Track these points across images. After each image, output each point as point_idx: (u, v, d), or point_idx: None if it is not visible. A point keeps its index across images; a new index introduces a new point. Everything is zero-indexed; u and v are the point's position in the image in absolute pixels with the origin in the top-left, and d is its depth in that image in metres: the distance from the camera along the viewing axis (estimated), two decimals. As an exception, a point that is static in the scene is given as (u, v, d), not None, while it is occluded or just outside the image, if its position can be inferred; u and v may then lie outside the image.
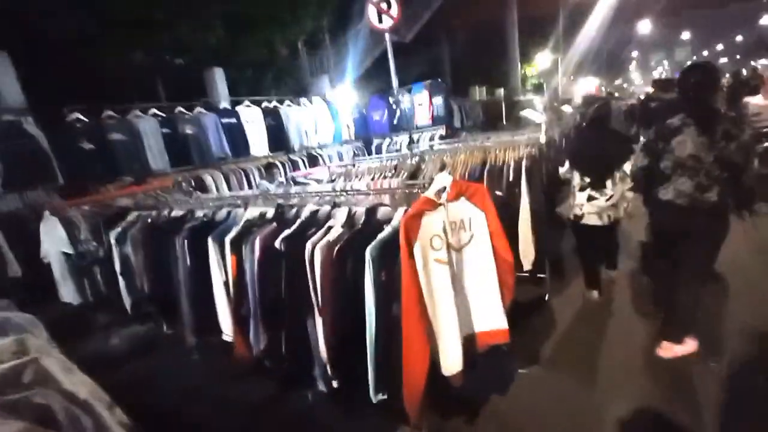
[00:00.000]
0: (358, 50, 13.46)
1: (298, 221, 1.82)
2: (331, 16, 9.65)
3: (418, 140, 7.50)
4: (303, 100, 6.92)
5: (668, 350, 2.38)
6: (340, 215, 1.73)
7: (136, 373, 2.92)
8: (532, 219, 2.80)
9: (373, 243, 1.47)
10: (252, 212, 2.13)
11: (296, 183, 4.20)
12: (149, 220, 2.74)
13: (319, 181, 4.19)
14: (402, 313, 1.40)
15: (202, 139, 5.42)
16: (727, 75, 7.73)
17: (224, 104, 6.59)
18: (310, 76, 9.87)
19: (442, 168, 3.24)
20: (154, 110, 5.17)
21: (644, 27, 30.89)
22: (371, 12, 7.72)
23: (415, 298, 1.39)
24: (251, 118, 6.11)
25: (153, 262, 2.57)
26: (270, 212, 2.06)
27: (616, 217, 3.02)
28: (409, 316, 1.40)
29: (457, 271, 1.51)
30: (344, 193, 1.83)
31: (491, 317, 1.57)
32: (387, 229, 1.52)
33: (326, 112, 7.30)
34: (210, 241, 2.06)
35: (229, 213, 2.28)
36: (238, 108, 6.02)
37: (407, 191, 1.65)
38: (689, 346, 2.37)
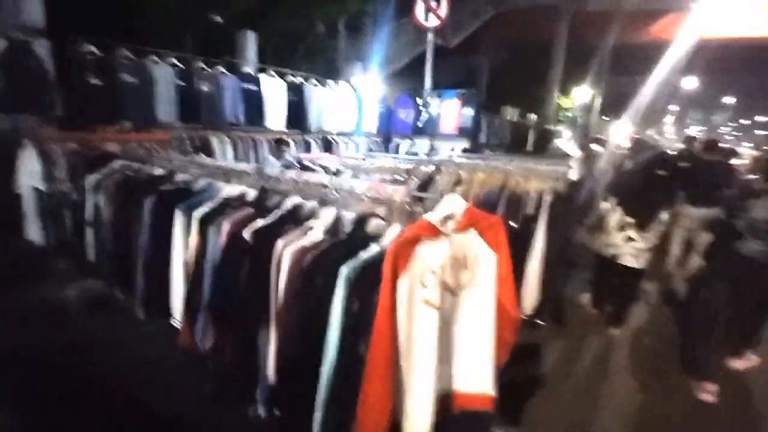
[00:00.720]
0: (400, 44, 13.14)
1: (277, 213, 1.55)
2: (378, 2, 9.32)
3: (438, 148, 7.23)
4: (330, 82, 6.63)
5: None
6: (325, 217, 1.46)
7: (80, 331, 2.69)
8: (546, 260, 2.51)
9: (353, 261, 1.19)
10: (232, 189, 1.86)
11: (302, 166, 3.93)
12: (127, 173, 2.49)
13: (326, 169, 3.93)
14: (368, 355, 1.13)
15: (217, 99, 5.17)
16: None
17: (248, 69, 6.31)
18: (345, 60, 9.56)
19: (458, 183, 2.96)
20: (174, 60, 4.93)
21: (689, 83, 30.24)
22: (419, 7, 7.45)
23: (387, 341, 1.12)
24: (273, 89, 5.84)
25: (119, 219, 2.32)
26: (252, 194, 1.79)
27: (645, 261, 3.12)
28: (376, 361, 1.12)
29: (447, 318, 1.22)
30: (335, 192, 1.55)
31: (476, 378, 1.28)
32: (373, 248, 1.24)
33: (352, 100, 7.02)
34: (177, 211, 1.80)
35: (209, 184, 2.02)
36: (261, 76, 5.76)
37: (408, 207, 1.36)
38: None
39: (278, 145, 4.85)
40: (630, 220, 3.04)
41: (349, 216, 1.43)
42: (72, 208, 2.77)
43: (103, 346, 2.57)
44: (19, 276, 3.05)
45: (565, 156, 4.76)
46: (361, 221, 1.37)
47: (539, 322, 2.85)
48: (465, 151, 6.66)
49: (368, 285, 1.15)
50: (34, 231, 3.03)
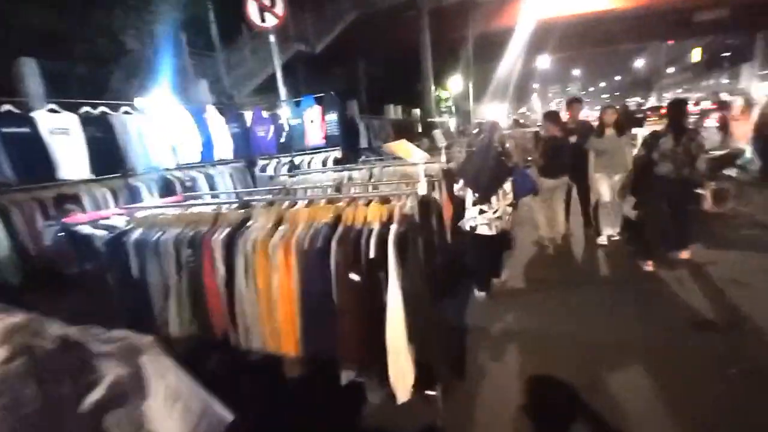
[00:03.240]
0: (259, 57, 11.93)
1: None
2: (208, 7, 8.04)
3: (309, 163, 6.27)
4: (152, 107, 5.26)
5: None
6: None
7: None
8: (409, 319, 1.67)
9: None
10: None
11: (71, 233, 2.66)
12: None
13: (108, 229, 2.72)
14: None
15: (-46, 155, 3.57)
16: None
17: (48, 106, 4.59)
18: (186, 80, 8.11)
19: (278, 223, 2.01)
20: None
21: (544, 62, 33.78)
22: (251, 7, 6.41)
23: None
24: (59, 127, 4.33)
25: None
26: None
27: (502, 227, 3.59)
28: None
29: None
30: None
31: None
32: None
33: (190, 124, 5.72)
34: None
35: None
36: (35, 113, 4.21)
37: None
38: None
39: (59, 205, 3.44)
40: (477, 195, 3.52)
41: None
42: None
43: None
44: None
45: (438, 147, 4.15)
46: None
47: (429, 392, 2.04)
48: (337, 161, 5.80)
49: None
50: None
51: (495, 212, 3.51)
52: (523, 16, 18.36)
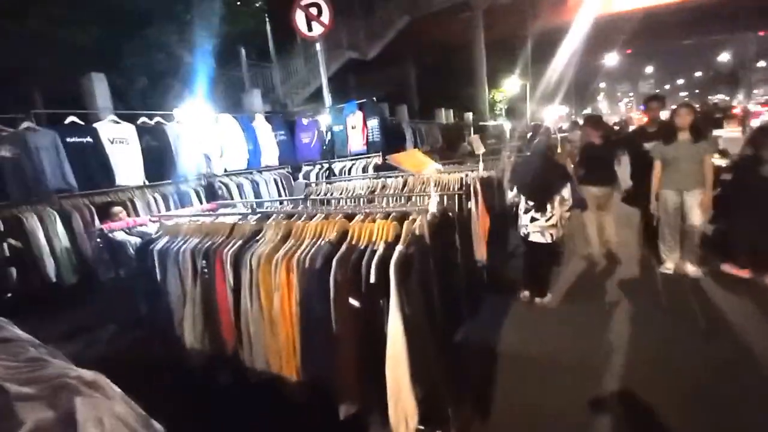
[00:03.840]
0: (312, 65, 12.24)
1: None
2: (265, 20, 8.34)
3: (350, 169, 6.24)
4: (204, 116, 5.52)
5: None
6: None
7: None
8: (412, 354, 1.48)
9: None
10: None
11: (107, 240, 2.78)
12: None
13: (143, 237, 2.81)
14: None
15: (26, 164, 3.94)
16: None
17: (110, 117, 5.00)
18: (240, 90, 8.48)
19: (287, 237, 1.93)
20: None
21: (611, 59, 31.46)
22: (299, 18, 6.54)
23: None
24: (118, 137, 4.67)
25: None
26: None
27: (557, 236, 3.46)
28: None
29: None
30: None
31: None
32: None
33: (238, 132, 5.94)
34: None
35: None
36: (98, 124, 4.57)
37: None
38: None
39: (107, 210, 3.66)
40: (531, 202, 3.42)
41: None
42: None
43: None
44: None
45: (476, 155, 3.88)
46: None
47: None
48: (377, 168, 5.70)
49: None
50: None
51: (548, 220, 3.36)
52: (586, 9, 17.14)
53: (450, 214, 2.03)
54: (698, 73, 55.75)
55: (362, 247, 1.60)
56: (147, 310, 2.48)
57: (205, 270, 2.17)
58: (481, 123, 16.95)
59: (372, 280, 1.48)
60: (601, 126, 4.54)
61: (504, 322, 3.25)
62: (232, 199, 5.59)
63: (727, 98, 38.34)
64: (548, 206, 3.35)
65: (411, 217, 1.67)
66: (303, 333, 1.68)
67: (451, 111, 17.77)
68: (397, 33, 16.01)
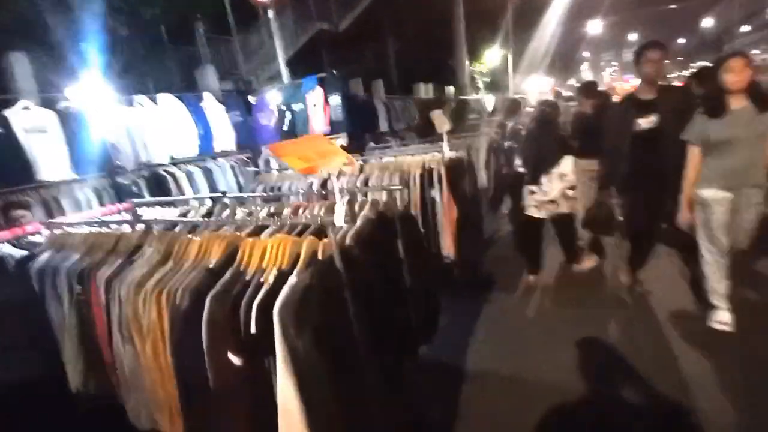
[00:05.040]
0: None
1: None
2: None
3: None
4: (140, 98, 4.89)
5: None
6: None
7: None
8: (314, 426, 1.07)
9: None
10: None
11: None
12: None
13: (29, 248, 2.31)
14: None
15: None
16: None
17: (22, 104, 4.37)
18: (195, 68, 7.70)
19: (168, 256, 1.45)
20: None
21: (594, 27, 30.77)
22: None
23: None
24: (35, 125, 4.05)
25: None
26: None
27: (557, 212, 3.27)
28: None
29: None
30: None
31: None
32: None
33: (182, 114, 5.32)
34: None
35: None
36: (8, 112, 3.94)
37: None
38: None
39: (5, 213, 3.11)
40: (527, 174, 3.31)
41: None
42: None
43: None
44: None
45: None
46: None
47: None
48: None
49: None
50: None
51: (545, 194, 3.24)
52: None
53: (390, 216, 1.58)
54: (682, 40, 55.41)
55: (248, 278, 1.15)
56: (27, 342, 2.01)
57: (81, 297, 1.70)
58: (461, 97, 16.35)
59: (252, 329, 1.03)
60: (593, 94, 4.14)
61: (475, 330, 2.87)
62: (182, 191, 5.04)
63: (711, 65, 38.12)
64: (544, 179, 3.21)
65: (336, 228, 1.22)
66: (181, 392, 1.24)
67: (431, 85, 17.08)
68: (372, 1, 15.06)
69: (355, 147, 5.50)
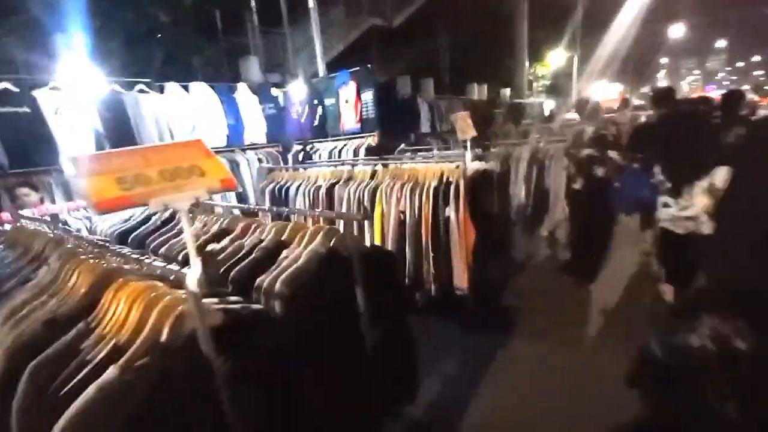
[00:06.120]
0: (329, 35, 11.24)
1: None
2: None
3: (340, 152, 5.37)
4: (171, 86, 4.82)
5: None
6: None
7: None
8: None
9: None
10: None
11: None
12: None
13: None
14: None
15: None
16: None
17: (52, 83, 4.43)
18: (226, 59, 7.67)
19: (52, 283, 1.14)
20: None
21: (676, 31, 27.92)
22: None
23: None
24: (65, 108, 4.07)
25: None
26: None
27: (695, 230, 2.74)
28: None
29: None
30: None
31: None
32: None
33: (214, 103, 5.22)
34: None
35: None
36: (37, 92, 3.97)
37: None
38: None
39: (11, 193, 3.05)
40: (668, 185, 2.90)
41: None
42: None
43: None
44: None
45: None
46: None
47: None
48: (369, 151, 4.83)
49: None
50: None
51: (683, 209, 2.79)
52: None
53: (344, 254, 1.16)
54: (779, 49, 49.06)
55: (86, 345, 0.79)
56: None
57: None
58: (516, 101, 15.38)
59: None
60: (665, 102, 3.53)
61: (486, 378, 2.37)
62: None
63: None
64: (684, 191, 2.70)
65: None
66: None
67: (485, 86, 16.23)
68: (428, -1, 14.51)
69: (385, 148, 5.11)
